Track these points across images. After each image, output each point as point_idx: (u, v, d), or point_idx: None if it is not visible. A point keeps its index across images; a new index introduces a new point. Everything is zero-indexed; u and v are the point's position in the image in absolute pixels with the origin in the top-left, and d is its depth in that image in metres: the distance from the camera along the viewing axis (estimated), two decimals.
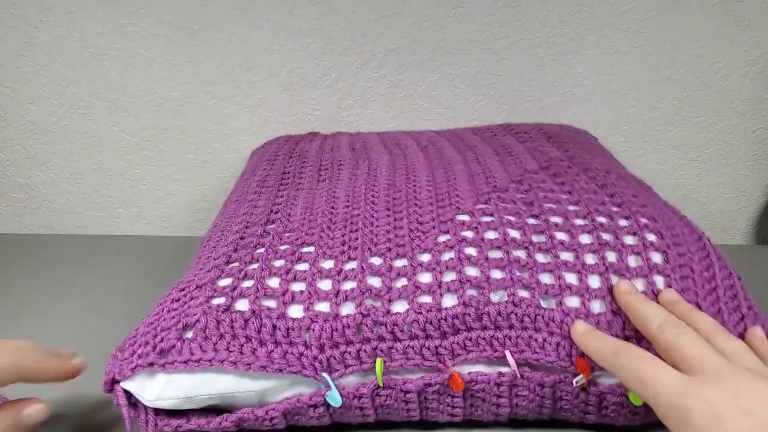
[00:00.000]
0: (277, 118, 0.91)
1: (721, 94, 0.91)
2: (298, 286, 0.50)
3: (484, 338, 0.48)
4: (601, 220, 0.54)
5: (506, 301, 0.48)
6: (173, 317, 0.48)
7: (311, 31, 0.85)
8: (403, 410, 0.50)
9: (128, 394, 0.48)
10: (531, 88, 0.90)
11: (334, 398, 0.47)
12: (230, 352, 0.46)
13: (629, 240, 0.53)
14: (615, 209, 0.55)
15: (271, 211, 0.61)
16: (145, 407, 0.48)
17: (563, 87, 0.90)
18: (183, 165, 0.94)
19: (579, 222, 0.54)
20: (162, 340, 0.47)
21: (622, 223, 0.54)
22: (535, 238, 0.52)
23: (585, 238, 0.52)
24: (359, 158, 0.72)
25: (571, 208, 0.56)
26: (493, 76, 0.89)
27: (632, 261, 0.51)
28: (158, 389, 0.47)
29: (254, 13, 0.84)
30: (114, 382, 0.46)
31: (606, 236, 0.53)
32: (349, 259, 0.52)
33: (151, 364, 0.46)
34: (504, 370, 0.49)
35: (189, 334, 0.47)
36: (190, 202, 0.97)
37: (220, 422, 0.48)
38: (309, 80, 0.89)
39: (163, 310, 0.50)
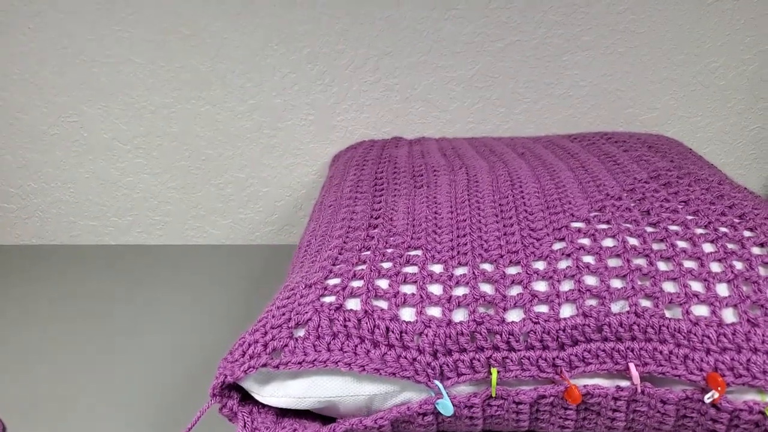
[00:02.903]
0: (271, 123, 0.90)
1: (718, 94, 0.88)
2: (408, 289, 0.48)
3: (604, 350, 0.46)
4: (724, 230, 0.52)
5: (628, 312, 0.46)
6: (283, 314, 0.47)
7: (304, 35, 0.84)
8: (512, 420, 0.48)
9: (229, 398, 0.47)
10: (527, 90, 0.88)
11: (446, 407, 0.45)
12: (344, 352, 0.45)
13: (757, 251, 0.50)
14: (737, 220, 0.54)
15: (372, 216, 0.59)
16: (251, 418, 0.47)
17: (560, 89, 0.88)
18: (176, 172, 0.94)
19: (700, 231, 0.52)
20: (273, 339, 0.46)
21: (747, 234, 0.52)
22: (655, 246, 0.50)
23: (708, 247, 0.50)
24: (454, 165, 0.70)
25: (690, 217, 0.54)
26: (489, 78, 0.87)
27: (763, 270, 0.48)
28: (271, 388, 0.46)
29: (246, 17, 0.83)
30: (223, 386, 0.45)
31: (731, 246, 0.50)
32: (459, 264, 0.49)
33: (265, 365, 0.45)
34: (623, 384, 0.46)
35: (301, 333, 0.46)
36: (184, 210, 0.96)
37: None
38: (302, 84, 0.87)
39: (271, 310, 0.49)
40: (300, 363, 0.45)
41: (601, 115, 0.89)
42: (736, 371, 0.44)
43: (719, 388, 0.44)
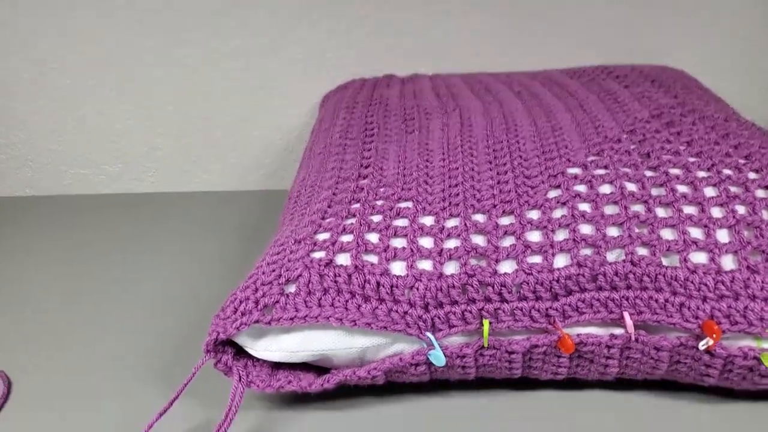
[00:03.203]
0: (257, 64, 0.86)
1: (726, 21, 0.82)
2: (398, 243, 0.47)
3: (598, 299, 0.45)
4: (728, 172, 0.50)
5: (624, 261, 0.45)
6: (273, 270, 0.47)
7: None
8: (505, 369, 0.48)
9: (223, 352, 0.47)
10: (524, 22, 0.83)
11: (438, 358, 0.45)
12: (335, 308, 0.45)
13: (762, 193, 0.48)
14: (742, 161, 0.51)
15: (362, 165, 0.57)
16: (246, 372, 0.47)
17: (558, 19, 0.83)
18: (163, 118, 0.91)
19: (702, 174, 0.50)
20: (264, 295, 0.45)
21: (752, 176, 0.49)
22: (654, 192, 0.49)
23: (710, 191, 0.48)
24: (447, 106, 0.67)
25: (692, 159, 0.52)
26: (484, 10, 0.82)
27: (766, 214, 0.47)
28: (264, 343, 0.46)
29: None
30: (216, 342, 0.45)
31: (735, 189, 0.48)
32: (451, 215, 0.48)
33: (257, 322, 0.44)
34: (617, 332, 0.46)
35: (291, 289, 0.45)
36: (174, 156, 0.94)
37: (322, 384, 0.47)
38: (289, 22, 0.83)
39: (261, 266, 0.48)
40: (291, 319, 0.44)
41: (602, 46, 0.85)
42: (732, 318, 0.43)
43: (714, 336, 0.43)
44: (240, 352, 0.48)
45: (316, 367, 0.50)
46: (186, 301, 0.66)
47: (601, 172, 0.50)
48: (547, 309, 0.45)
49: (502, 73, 0.82)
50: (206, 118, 0.91)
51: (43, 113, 0.90)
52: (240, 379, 0.46)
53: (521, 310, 0.45)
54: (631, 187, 0.49)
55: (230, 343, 0.48)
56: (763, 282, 0.43)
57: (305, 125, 0.92)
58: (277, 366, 0.49)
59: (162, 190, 0.96)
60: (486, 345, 0.46)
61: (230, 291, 0.65)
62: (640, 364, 0.47)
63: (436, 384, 0.50)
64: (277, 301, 0.45)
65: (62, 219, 0.87)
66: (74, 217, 0.88)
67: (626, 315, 0.45)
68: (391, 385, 0.50)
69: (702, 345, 0.44)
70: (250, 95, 0.89)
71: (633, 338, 0.45)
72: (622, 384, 0.50)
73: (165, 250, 0.77)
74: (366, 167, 0.57)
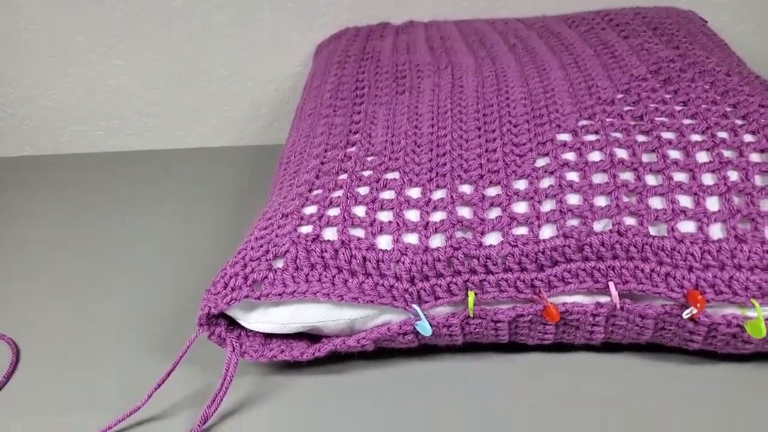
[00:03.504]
0: (249, 14, 0.83)
1: None
2: (385, 216, 0.47)
3: (584, 270, 0.45)
4: (723, 135, 0.48)
5: (611, 231, 0.45)
6: (261, 246, 0.47)
7: None
8: (492, 336, 0.49)
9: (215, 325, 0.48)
10: None
11: (424, 328, 0.46)
12: (322, 283, 0.45)
13: (756, 158, 0.47)
14: (739, 122, 0.49)
15: (350, 131, 0.57)
16: (239, 342, 0.49)
17: None
18: (156, 72, 0.89)
19: (696, 138, 0.49)
20: (253, 271, 0.46)
21: (748, 138, 0.48)
22: (645, 158, 0.48)
23: (703, 156, 0.47)
24: (440, 62, 0.65)
25: (687, 122, 0.50)
26: None
27: (759, 180, 0.46)
28: (256, 315, 0.47)
29: None
30: (209, 316, 0.46)
31: (728, 154, 0.47)
32: (438, 187, 0.47)
33: (247, 297, 0.45)
34: (603, 300, 0.46)
35: (279, 264, 0.46)
36: (170, 111, 0.93)
37: (314, 353, 0.48)
38: None
39: (250, 241, 0.49)
40: (280, 294, 0.45)
41: None
42: (717, 288, 0.44)
43: (698, 306, 0.43)
44: (234, 323, 0.50)
45: (307, 335, 0.51)
46: (185, 263, 0.67)
47: (591, 138, 0.49)
48: (532, 280, 0.46)
49: (499, 19, 0.79)
50: (199, 71, 0.89)
51: (35, 71, 0.89)
52: (233, 350, 0.47)
53: (506, 281, 0.46)
54: (621, 153, 0.48)
55: (223, 315, 0.49)
56: (750, 251, 0.43)
57: (300, 75, 0.90)
58: (269, 336, 0.50)
59: (160, 147, 0.96)
60: (471, 315, 0.46)
61: (228, 254, 0.66)
62: (625, 331, 0.47)
63: (426, 348, 0.52)
64: (266, 277, 0.45)
65: (62, 178, 0.88)
66: (73, 176, 0.88)
67: (611, 285, 0.45)
68: (382, 350, 0.51)
69: (686, 314, 0.44)
70: (244, 46, 0.87)
71: (618, 307, 0.45)
72: (608, 346, 0.51)
73: (164, 210, 0.77)
74: (355, 133, 0.57)
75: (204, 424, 0.46)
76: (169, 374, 0.47)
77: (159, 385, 0.47)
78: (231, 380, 0.47)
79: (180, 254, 0.69)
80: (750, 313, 0.44)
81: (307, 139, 0.59)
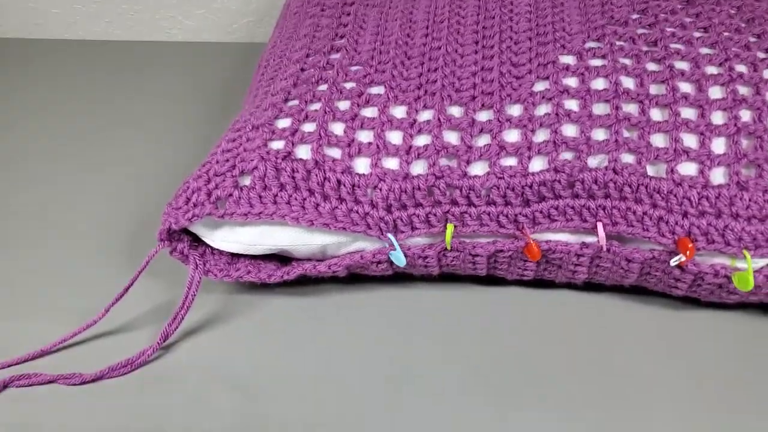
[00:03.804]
0: None
1: None
2: (365, 136, 0.44)
3: (573, 207, 0.42)
4: (741, 69, 0.44)
5: (606, 168, 0.42)
6: (227, 160, 0.44)
7: None
8: (469, 269, 0.47)
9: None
10: None
11: (399, 259, 0.44)
12: (291, 206, 0.42)
13: None
14: (761, 55, 0.45)
15: (336, 35, 0.51)
16: (204, 260, 0.46)
17: None
18: None
19: (712, 70, 0.44)
20: (217, 187, 0.43)
21: None
22: (653, 90, 0.43)
23: (716, 92, 0.43)
24: None
25: (705, 51, 0.45)
26: None
27: None
28: (221, 233, 0.45)
29: None
30: (170, 231, 0.44)
31: (744, 90, 0.43)
32: (425, 107, 0.43)
33: (209, 214, 0.42)
34: (589, 240, 0.44)
35: (246, 182, 0.43)
36: None
37: (282, 276, 0.46)
38: None
39: (216, 153, 0.45)
40: (245, 215, 0.42)
41: None
42: (709, 237, 0.41)
43: (687, 254, 0.41)
44: (199, 239, 0.47)
45: (277, 256, 0.49)
46: (161, 167, 0.63)
47: (597, 63, 0.44)
48: (516, 215, 0.43)
49: None
50: None
51: None
52: (196, 268, 0.45)
53: (488, 214, 0.43)
54: (627, 83, 0.43)
55: (187, 231, 0.46)
56: (750, 200, 0.40)
57: None
58: (236, 255, 0.48)
59: (141, 39, 0.89)
60: (449, 248, 0.44)
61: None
62: (609, 273, 0.45)
63: (402, 275, 0.50)
64: (231, 195, 0.42)
65: (35, 66, 0.81)
66: (44, 63, 0.82)
67: (600, 226, 0.43)
68: (356, 274, 0.49)
69: (674, 261, 0.42)
70: None
71: (605, 249, 0.43)
72: (590, 285, 0.49)
73: (142, 109, 0.72)
74: (341, 37, 0.51)
75: (164, 341, 0.45)
76: (127, 289, 0.45)
77: (117, 300, 0.45)
78: (193, 299, 0.45)
79: (156, 158, 0.65)
80: (740, 265, 0.42)
81: (289, 41, 0.54)
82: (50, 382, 0.44)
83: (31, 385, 0.44)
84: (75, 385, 0.44)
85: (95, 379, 0.44)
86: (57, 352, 0.46)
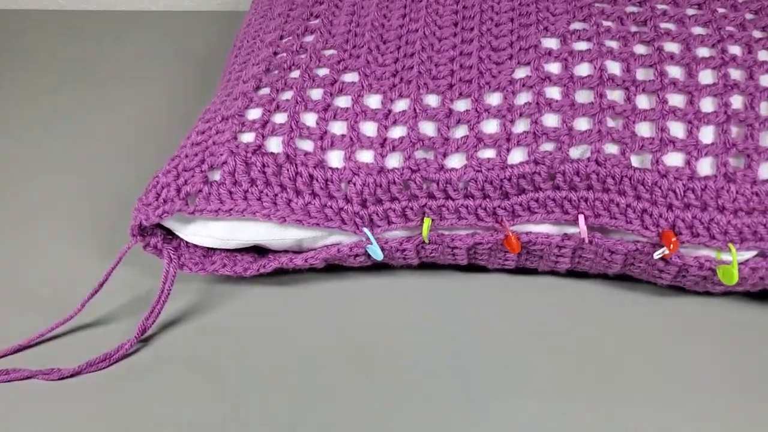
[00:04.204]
0: None
1: None
2: (338, 127, 0.42)
3: (553, 199, 0.41)
4: (735, 50, 0.41)
5: (588, 159, 0.40)
6: (197, 155, 0.42)
7: None
8: (449, 259, 0.46)
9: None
10: None
11: (376, 253, 0.43)
12: (263, 202, 0.41)
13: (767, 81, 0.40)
14: (757, 34, 0.42)
15: (311, 15, 0.49)
16: (178, 254, 0.45)
17: None
18: None
19: (704, 52, 0.42)
20: (186, 183, 0.42)
21: (763, 56, 0.41)
22: (640, 75, 0.41)
23: (707, 76, 0.41)
24: None
25: (697, 30, 0.42)
26: None
27: (765, 109, 0.40)
28: (194, 228, 0.44)
29: None
30: (141, 227, 0.43)
31: (736, 75, 0.41)
32: (401, 96, 0.42)
33: (179, 210, 0.41)
34: (570, 231, 0.43)
35: (216, 177, 0.42)
36: None
37: (258, 269, 0.45)
38: None
39: (185, 147, 0.44)
40: (216, 211, 0.41)
41: None
42: (694, 230, 0.40)
43: (671, 247, 0.40)
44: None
45: (254, 248, 0.48)
46: (143, 142, 0.62)
47: (582, 47, 0.42)
48: (494, 208, 0.42)
49: None
50: None
51: None
52: (171, 262, 0.44)
53: (466, 208, 0.42)
54: (613, 68, 0.41)
55: (161, 225, 0.45)
56: (737, 192, 0.39)
57: None
58: (212, 247, 0.47)
59: (123, 8, 0.85)
60: (426, 241, 0.43)
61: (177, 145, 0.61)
62: (592, 263, 0.45)
63: (382, 264, 0.49)
64: (200, 191, 0.41)
65: (13, 37, 0.79)
66: (27, 35, 0.79)
67: (581, 218, 0.41)
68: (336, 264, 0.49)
69: (657, 254, 0.41)
70: None
71: (587, 241, 0.42)
72: (574, 272, 0.48)
73: (124, 81, 0.70)
74: (316, 17, 0.49)
75: (142, 335, 0.45)
76: (101, 285, 0.45)
77: (92, 295, 0.45)
78: (169, 293, 0.44)
79: (137, 133, 0.63)
80: (725, 257, 0.41)
81: (263, 20, 0.52)
82: (28, 377, 0.44)
83: (9, 381, 0.44)
84: (54, 380, 0.44)
85: (74, 374, 0.44)
86: (35, 347, 0.46)
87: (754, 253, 0.41)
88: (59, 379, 0.44)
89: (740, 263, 0.40)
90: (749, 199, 0.39)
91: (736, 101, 0.40)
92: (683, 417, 0.40)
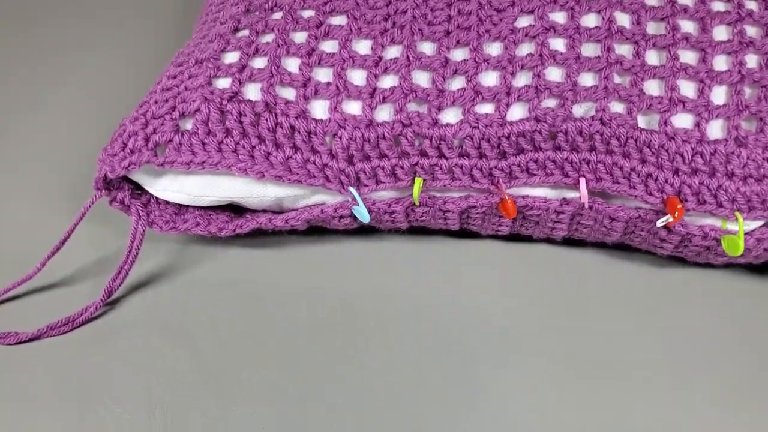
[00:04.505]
0: None
1: None
2: (323, 75, 0.39)
3: (554, 161, 0.38)
4: (752, 6, 0.39)
5: (593, 118, 0.37)
6: (167, 101, 0.39)
7: None
8: (440, 223, 0.43)
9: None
10: None
11: (362, 214, 0.40)
12: (239, 155, 0.38)
13: None
14: None
15: None
16: (148, 210, 0.42)
17: None
18: None
19: (719, 6, 0.39)
20: (155, 132, 0.38)
21: None
22: (650, 29, 0.38)
23: (721, 33, 0.38)
24: None
25: None
26: None
27: None
28: (164, 182, 0.41)
29: None
30: (106, 180, 0.40)
31: (752, 31, 0.38)
32: (392, 42, 0.38)
33: (148, 162, 0.38)
34: (570, 196, 0.40)
35: (188, 126, 0.38)
36: None
37: (234, 229, 0.42)
38: None
39: (155, 92, 0.40)
40: (187, 164, 0.38)
41: None
42: (701, 197, 0.37)
43: (676, 215, 0.38)
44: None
45: (231, 206, 0.45)
46: (113, 91, 0.57)
47: None
48: (491, 168, 0.39)
49: None
50: None
51: None
52: (139, 219, 0.41)
53: (461, 167, 0.39)
54: (623, 20, 0.38)
55: (128, 178, 0.42)
56: (748, 158, 0.36)
57: None
58: (185, 204, 0.43)
59: None
60: (417, 203, 0.40)
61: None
62: (591, 230, 0.42)
63: (368, 227, 0.46)
64: (170, 140, 0.38)
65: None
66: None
67: (582, 182, 0.39)
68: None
69: (660, 222, 0.38)
70: None
71: (587, 206, 0.39)
72: (570, 240, 0.46)
73: (87, 24, 0.65)
74: None
75: (108, 297, 0.42)
76: (63, 242, 0.41)
77: (53, 253, 0.41)
78: (137, 253, 0.41)
79: (107, 81, 0.58)
80: (730, 227, 0.39)
81: None
82: None
83: None
84: (11, 344, 0.41)
85: (33, 338, 0.41)
86: None
87: (761, 223, 0.39)
88: (16, 343, 0.41)
89: (746, 233, 0.38)
90: (760, 166, 0.37)
91: (751, 60, 0.37)
92: (681, 388, 0.38)
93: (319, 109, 0.38)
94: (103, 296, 0.41)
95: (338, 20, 0.40)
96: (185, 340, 0.41)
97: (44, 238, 0.45)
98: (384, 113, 0.38)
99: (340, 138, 0.37)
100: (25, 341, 0.40)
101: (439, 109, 0.37)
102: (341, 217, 0.41)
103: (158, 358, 0.40)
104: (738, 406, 0.38)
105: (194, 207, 0.43)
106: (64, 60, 0.61)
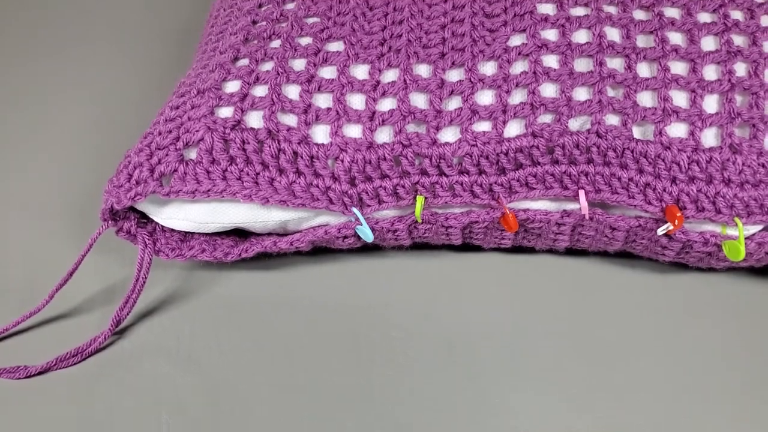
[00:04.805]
0: None
1: None
2: (323, 100, 0.39)
3: (552, 174, 0.39)
4: (737, 15, 0.40)
5: (588, 131, 0.38)
6: (170, 132, 0.39)
7: None
8: (443, 239, 0.44)
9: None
10: None
11: (366, 234, 0.41)
12: (243, 182, 0.38)
13: None
14: None
15: None
16: (154, 239, 0.43)
17: None
18: None
19: (705, 18, 0.40)
20: (160, 162, 0.39)
21: (766, 21, 0.40)
22: (641, 42, 0.39)
23: (709, 43, 0.39)
24: None
25: None
26: None
27: None
28: (169, 211, 0.41)
29: None
30: (113, 211, 0.40)
31: (739, 41, 0.39)
32: (389, 66, 0.39)
33: (153, 192, 0.38)
34: (570, 207, 0.41)
35: (192, 155, 0.39)
36: None
37: (240, 254, 0.43)
38: None
39: (159, 123, 0.41)
40: (193, 192, 0.38)
41: None
42: (699, 204, 0.38)
43: (676, 223, 0.38)
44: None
45: (235, 231, 0.45)
46: (111, 123, 0.58)
47: (580, 12, 0.40)
48: (491, 184, 0.40)
49: None
50: None
51: None
52: (146, 247, 0.41)
53: (461, 184, 0.39)
54: (613, 34, 0.39)
55: (134, 208, 0.42)
56: (743, 164, 0.37)
57: None
58: (189, 231, 0.44)
59: None
60: (419, 221, 0.40)
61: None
62: (592, 240, 0.43)
63: (372, 245, 0.46)
64: (176, 170, 0.38)
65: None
66: None
67: (582, 194, 0.39)
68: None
69: (661, 231, 0.39)
70: None
71: (587, 218, 0.40)
72: (573, 250, 0.46)
73: (90, 56, 0.66)
74: None
75: (116, 327, 0.42)
76: (71, 274, 0.42)
77: (62, 285, 0.42)
78: (144, 281, 0.42)
79: (104, 113, 0.59)
80: (731, 232, 0.39)
81: None
82: None
83: None
84: (20, 378, 0.41)
85: (42, 371, 0.41)
86: None
87: (760, 227, 0.39)
88: (26, 377, 0.41)
89: (746, 238, 0.39)
90: (756, 171, 0.37)
91: (740, 69, 0.38)
92: (688, 393, 0.38)
93: (321, 133, 0.39)
94: (112, 326, 0.41)
95: (335, 46, 0.41)
96: (195, 367, 0.41)
97: (48, 264, 0.46)
98: (384, 135, 0.38)
99: (342, 161, 0.38)
100: (34, 375, 0.41)
101: (438, 128, 0.38)
102: (345, 237, 0.42)
103: (168, 386, 0.40)
104: (743, 411, 0.38)
105: (199, 233, 0.44)
106: (63, 93, 0.61)
